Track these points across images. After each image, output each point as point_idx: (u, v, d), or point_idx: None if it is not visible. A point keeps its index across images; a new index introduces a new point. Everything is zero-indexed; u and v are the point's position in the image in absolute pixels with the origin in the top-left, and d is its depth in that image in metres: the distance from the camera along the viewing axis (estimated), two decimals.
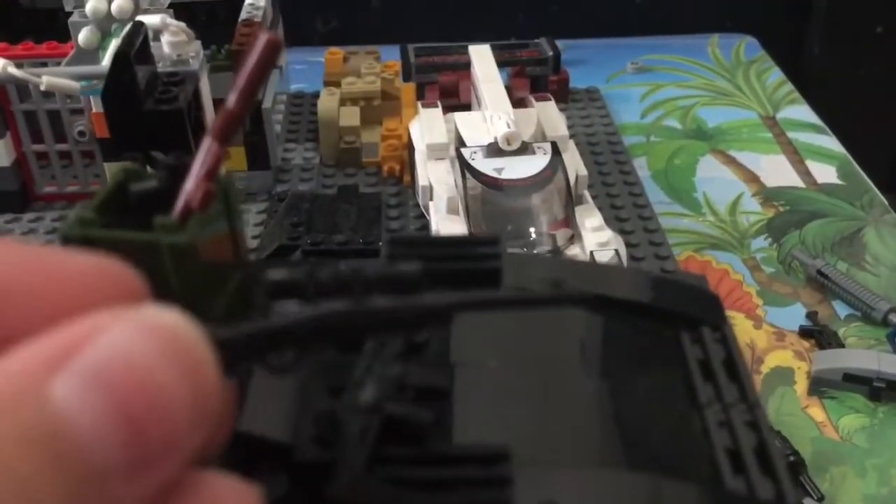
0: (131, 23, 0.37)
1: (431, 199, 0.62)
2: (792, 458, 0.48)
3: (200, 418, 0.13)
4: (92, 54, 0.57)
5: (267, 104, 0.68)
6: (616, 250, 0.55)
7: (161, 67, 0.39)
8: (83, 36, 0.57)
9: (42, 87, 0.45)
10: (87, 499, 0.11)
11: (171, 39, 0.39)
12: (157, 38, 0.39)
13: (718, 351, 0.26)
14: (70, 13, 0.59)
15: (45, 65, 0.64)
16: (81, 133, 0.67)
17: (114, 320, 0.13)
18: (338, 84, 0.79)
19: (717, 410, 0.24)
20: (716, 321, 0.27)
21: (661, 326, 0.27)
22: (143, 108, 0.37)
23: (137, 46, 0.36)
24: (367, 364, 0.22)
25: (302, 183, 0.74)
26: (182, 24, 0.41)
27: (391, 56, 0.84)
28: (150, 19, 0.40)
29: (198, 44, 0.41)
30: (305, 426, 0.22)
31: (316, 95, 0.84)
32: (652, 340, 0.27)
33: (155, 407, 0.12)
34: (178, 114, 0.37)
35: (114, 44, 0.44)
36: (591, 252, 0.55)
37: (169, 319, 0.13)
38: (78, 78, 0.45)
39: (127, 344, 0.12)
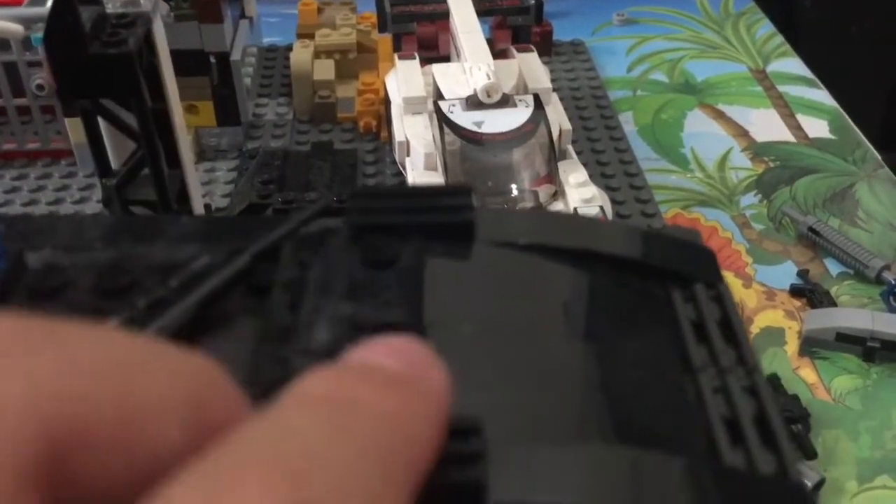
0: None
1: (408, 155, 0.59)
2: (799, 425, 0.46)
3: None
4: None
5: (236, 56, 0.65)
6: (601, 207, 0.53)
7: (110, 9, 0.36)
8: None
9: None
10: None
11: None
12: None
13: (713, 310, 0.24)
14: None
15: None
16: (40, 87, 0.64)
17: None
18: (311, 36, 0.76)
19: (713, 375, 0.22)
20: (711, 278, 0.25)
21: (651, 284, 0.25)
22: (89, 51, 0.34)
23: None
24: (314, 305, 0.20)
25: (274, 139, 0.71)
26: None
27: (367, 7, 0.80)
28: None
29: None
30: (258, 374, 0.20)
31: (289, 48, 0.81)
32: (640, 299, 0.24)
33: None
34: (127, 57, 0.34)
35: None
36: (575, 208, 0.53)
37: None
38: (21, 21, 0.41)
39: None
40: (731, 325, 0.23)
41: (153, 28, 0.37)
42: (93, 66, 0.34)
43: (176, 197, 0.40)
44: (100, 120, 0.38)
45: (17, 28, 0.40)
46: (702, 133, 0.74)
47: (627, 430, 0.21)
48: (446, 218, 0.24)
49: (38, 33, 0.56)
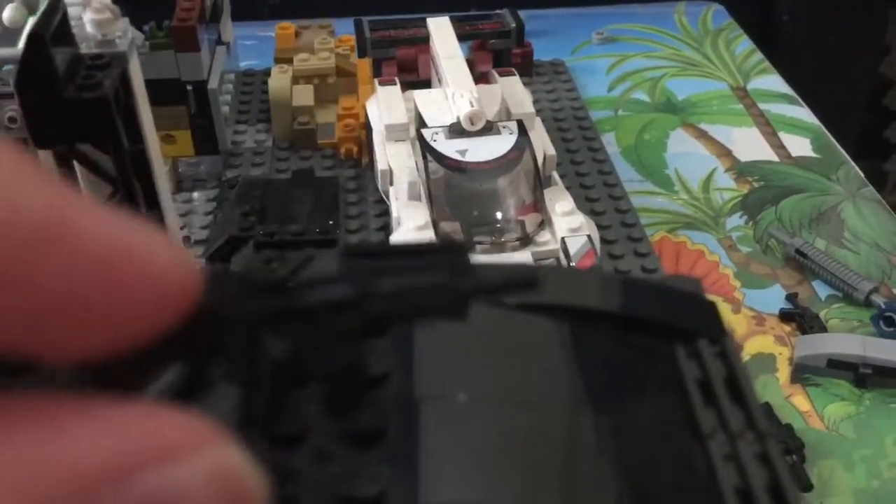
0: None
1: (392, 184, 0.59)
2: (794, 456, 0.46)
3: None
4: (18, 33, 0.52)
5: (213, 84, 0.64)
6: (588, 236, 0.52)
7: (84, 49, 0.35)
8: (8, 13, 0.52)
9: None
10: None
11: (94, 17, 0.35)
12: (79, 16, 0.35)
13: (719, 368, 0.23)
14: None
15: None
16: (12, 119, 0.62)
17: (191, 452, 0.12)
18: (290, 61, 0.75)
19: (722, 442, 0.21)
20: (714, 332, 0.24)
21: (653, 340, 0.24)
22: (64, 95, 0.33)
23: (55, 26, 0.32)
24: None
25: (254, 168, 0.69)
26: (107, 1, 0.37)
27: (345, 30, 0.79)
28: None
29: (125, 21, 0.37)
30: None
31: (267, 73, 0.80)
32: (644, 358, 0.23)
33: None
34: (102, 101, 0.33)
35: (29, 22, 0.40)
36: (563, 238, 0.52)
37: (239, 467, 0.13)
38: None
39: (191, 488, 0.12)
40: (738, 384, 0.23)
41: (129, 68, 0.36)
42: (67, 111, 0.33)
43: None
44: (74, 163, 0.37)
45: None
46: (685, 153, 0.73)
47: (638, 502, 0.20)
48: (443, 278, 0.23)
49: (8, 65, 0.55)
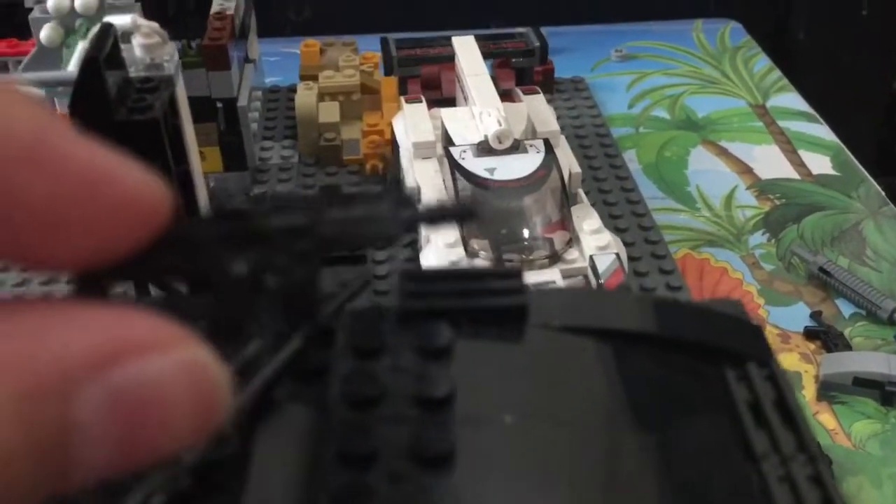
0: (99, 24, 0.34)
1: (419, 202, 0.59)
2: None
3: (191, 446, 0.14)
4: (55, 53, 0.53)
5: (243, 102, 0.65)
6: (617, 254, 0.53)
7: (133, 72, 0.35)
8: (45, 33, 0.53)
9: None
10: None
11: (143, 42, 0.36)
12: (127, 39, 0.36)
13: (768, 390, 0.24)
14: (31, 9, 0.55)
15: (4, 64, 0.60)
16: None
17: (162, 348, 0.14)
18: (315, 78, 0.76)
19: (776, 464, 0.22)
20: (761, 355, 0.25)
21: (701, 364, 0.24)
22: (115, 118, 0.34)
23: (108, 50, 0.33)
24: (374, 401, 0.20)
25: (281, 183, 0.70)
26: (155, 25, 0.38)
27: (368, 46, 0.81)
28: (121, 20, 0.36)
29: (172, 46, 0.38)
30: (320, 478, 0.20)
31: (291, 89, 0.81)
32: (696, 380, 0.24)
33: (158, 441, 0.14)
34: (153, 124, 0.34)
35: (80, 46, 0.40)
36: (591, 256, 0.53)
37: (207, 363, 0.14)
38: (43, 86, 0.41)
39: (162, 380, 0.13)
40: (788, 407, 0.23)
41: (176, 91, 0.37)
42: (119, 133, 0.34)
43: None
44: None
45: (38, 93, 0.40)
46: (706, 170, 0.74)
47: None
48: (499, 301, 0.23)
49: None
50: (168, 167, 0.36)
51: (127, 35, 0.37)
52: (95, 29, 0.49)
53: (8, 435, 0.12)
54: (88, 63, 0.32)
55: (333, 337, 0.23)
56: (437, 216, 0.21)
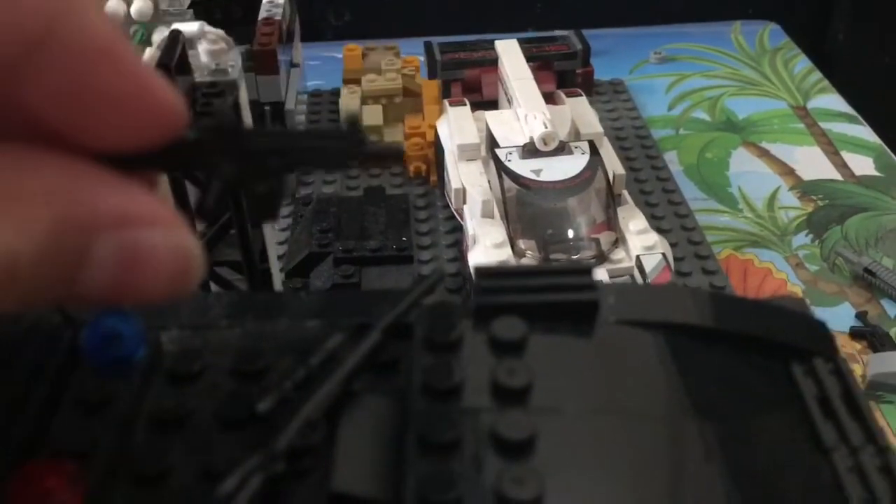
0: (168, 32, 0.35)
1: (465, 203, 0.60)
2: None
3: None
4: None
5: (290, 105, 0.66)
6: (663, 254, 0.53)
7: (198, 77, 0.37)
8: None
9: None
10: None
11: (210, 48, 0.37)
12: (192, 46, 0.37)
13: (834, 385, 0.24)
14: None
15: None
16: None
17: (161, 224, 0.18)
18: (357, 81, 0.77)
19: (845, 454, 0.22)
20: (826, 350, 0.25)
21: (771, 359, 0.25)
22: None
23: (177, 57, 0.34)
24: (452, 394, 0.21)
25: (326, 185, 0.71)
26: (220, 32, 0.39)
27: (409, 50, 0.82)
28: (188, 27, 0.37)
29: (236, 51, 0.39)
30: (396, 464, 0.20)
31: (334, 92, 0.82)
32: (764, 375, 0.25)
33: (143, 288, 0.18)
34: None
35: (148, 53, 0.42)
36: (638, 256, 0.53)
37: (189, 244, 0.18)
38: None
39: (157, 247, 0.18)
40: (855, 400, 0.24)
41: (239, 95, 0.38)
42: None
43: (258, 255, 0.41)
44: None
45: None
46: (748, 172, 0.74)
47: None
48: (570, 297, 0.24)
49: None
50: None
51: (192, 42, 0.38)
52: (155, 35, 0.51)
53: (40, 240, 0.16)
54: (159, 69, 0.33)
55: (411, 331, 0.24)
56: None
